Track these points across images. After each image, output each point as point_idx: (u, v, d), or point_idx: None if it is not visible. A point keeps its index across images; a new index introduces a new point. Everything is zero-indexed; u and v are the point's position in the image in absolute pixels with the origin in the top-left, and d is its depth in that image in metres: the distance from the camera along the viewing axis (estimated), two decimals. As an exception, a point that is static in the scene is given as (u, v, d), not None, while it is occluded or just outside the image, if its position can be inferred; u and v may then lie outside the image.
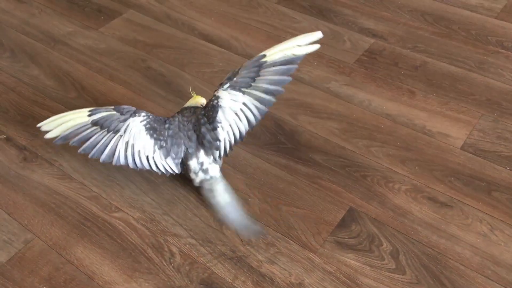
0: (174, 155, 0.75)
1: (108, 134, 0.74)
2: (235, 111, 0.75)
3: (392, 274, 0.69)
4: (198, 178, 0.76)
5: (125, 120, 0.74)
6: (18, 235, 0.73)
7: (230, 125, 0.75)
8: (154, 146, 0.75)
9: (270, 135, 0.88)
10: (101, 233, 0.74)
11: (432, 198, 0.78)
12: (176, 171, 0.76)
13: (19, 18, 1.15)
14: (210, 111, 0.75)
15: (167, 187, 0.80)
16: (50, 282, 0.68)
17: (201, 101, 0.81)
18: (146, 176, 0.81)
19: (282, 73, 0.74)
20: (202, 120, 0.76)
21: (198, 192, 0.79)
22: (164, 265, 0.70)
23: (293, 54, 0.74)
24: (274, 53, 0.74)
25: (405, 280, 0.69)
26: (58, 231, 0.74)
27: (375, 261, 0.71)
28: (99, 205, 0.77)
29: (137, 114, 0.75)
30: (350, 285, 0.68)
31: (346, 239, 0.73)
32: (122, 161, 0.74)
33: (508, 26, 1.12)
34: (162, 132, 0.75)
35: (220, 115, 0.75)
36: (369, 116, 0.92)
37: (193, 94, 0.85)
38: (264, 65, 0.74)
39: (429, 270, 0.70)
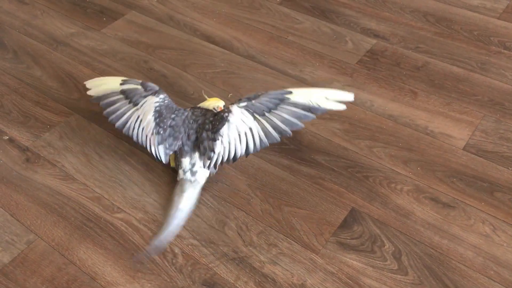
0: (167, 145, 0.77)
1: (129, 105, 0.79)
2: (239, 132, 0.75)
3: (395, 275, 0.69)
4: (183, 175, 0.76)
5: (145, 96, 0.79)
6: (21, 236, 0.74)
7: (229, 142, 0.75)
8: (153, 129, 0.77)
9: (272, 136, 0.88)
10: (103, 234, 0.74)
11: (434, 199, 0.78)
12: (164, 161, 0.77)
13: (21, 20, 1.15)
14: (217, 121, 0.76)
15: (169, 188, 0.80)
16: (52, 282, 0.68)
17: (215, 103, 0.81)
18: (149, 177, 0.81)
19: (299, 117, 0.75)
20: (207, 126, 0.76)
21: (200, 193, 0.79)
22: (167, 266, 0.70)
23: (318, 104, 0.75)
24: (300, 95, 0.75)
25: (408, 281, 0.69)
26: (61, 231, 0.74)
27: (377, 261, 0.71)
28: (101, 206, 0.77)
29: (156, 94, 0.79)
30: (352, 286, 0.68)
31: (348, 240, 0.73)
32: (130, 132, 0.79)
33: (510, 27, 1.12)
34: (165, 120, 0.77)
35: (224, 129, 0.75)
36: (371, 116, 0.92)
37: (206, 96, 0.86)
38: (286, 101, 0.75)
39: (431, 270, 0.70)
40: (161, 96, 0.79)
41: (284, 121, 0.74)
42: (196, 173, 0.76)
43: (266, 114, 0.75)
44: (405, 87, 0.98)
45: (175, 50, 1.07)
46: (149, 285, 0.68)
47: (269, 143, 0.75)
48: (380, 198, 0.78)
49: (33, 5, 1.20)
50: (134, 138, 0.79)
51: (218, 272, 0.70)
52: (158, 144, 0.76)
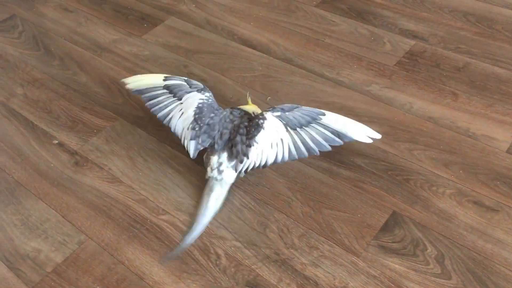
0: (200, 141, 0.79)
1: (173, 99, 0.82)
2: (271, 140, 0.76)
3: (438, 279, 0.69)
4: (210, 173, 0.78)
5: (190, 92, 0.81)
6: (72, 236, 0.77)
7: (262, 150, 0.76)
8: (190, 124, 0.79)
9: (311, 139, 0.89)
10: (149, 235, 0.76)
11: (477, 202, 0.78)
12: (191, 155, 0.79)
13: (67, 27, 1.20)
14: (252, 128, 0.77)
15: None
16: (103, 281, 0.71)
17: (255, 109, 0.83)
18: (191, 180, 0.84)
19: (327, 139, 0.77)
20: (242, 130, 0.78)
21: (241, 195, 0.81)
22: (211, 267, 0.72)
23: (347, 133, 0.78)
24: (333, 120, 0.78)
25: (451, 285, 0.68)
26: (110, 232, 0.77)
27: (420, 265, 0.71)
28: (147, 208, 0.80)
29: (202, 92, 0.82)
30: (394, 289, 0.69)
31: (389, 243, 0.73)
32: (170, 122, 0.82)
33: (555, 25, 1.09)
34: (203, 118, 0.79)
35: (260, 136, 0.76)
36: (411, 119, 0.91)
37: (249, 100, 0.87)
38: (317, 121, 0.77)
39: (475, 275, 0.69)
40: (207, 94, 0.82)
41: (313, 139, 0.77)
42: (222, 172, 0.77)
43: (298, 129, 0.77)
44: (446, 88, 0.97)
45: (213, 54, 1.09)
46: (194, 285, 0.70)
47: (298, 157, 0.77)
48: (422, 202, 0.78)
49: (77, 13, 1.24)
50: (172, 129, 0.82)
51: (261, 274, 0.71)
52: (191, 139, 0.79)
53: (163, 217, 0.79)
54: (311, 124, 0.77)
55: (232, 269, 0.72)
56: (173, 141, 0.88)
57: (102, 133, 0.93)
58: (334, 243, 0.74)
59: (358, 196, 0.80)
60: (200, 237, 0.76)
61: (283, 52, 1.08)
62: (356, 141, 0.79)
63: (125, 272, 0.72)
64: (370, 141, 0.80)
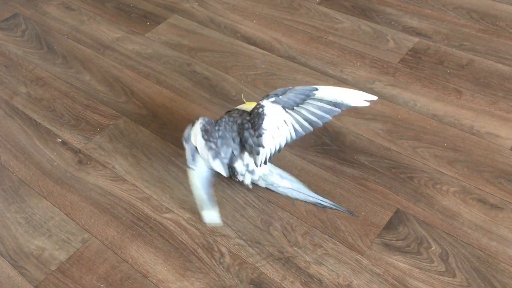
0: (223, 155, 0.77)
1: (188, 144, 0.79)
2: (276, 124, 0.77)
3: (442, 277, 0.69)
4: (247, 179, 0.78)
5: (191, 128, 0.79)
6: (76, 234, 0.77)
7: (272, 135, 0.77)
8: (205, 148, 0.77)
9: (315, 137, 0.89)
10: (153, 233, 0.76)
11: (482, 200, 0.77)
12: (224, 173, 0.77)
13: (69, 25, 1.20)
14: (255, 118, 0.77)
15: (215, 189, 0.82)
16: (107, 280, 0.72)
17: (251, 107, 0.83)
18: (195, 178, 0.84)
19: (325, 111, 0.77)
20: (247, 125, 0.78)
21: (244, 193, 0.81)
22: (215, 265, 0.72)
23: (342, 101, 0.77)
24: (326, 92, 0.78)
25: (456, 282, 0.68)
26: (113, 231, 0.77)
27: (424, 263, 0.71)
28: (150, 206, 0.80)
29: (199, 119, 0.79)
30: None
31: (393, 241, 0.73)
32: (195, 164, 0.78)
33: (559, 21, 1.08)
34: (213, 134, 0.78)
35: (265, 123, 0.76)
36: (414, 116, 0.91)
37: (244, 100, 0.87)
38: (312, 97, 0.78)
39: (479, 273, 0.69)
40: (201, 119, 0.79)
41: (313, 113, 0.77)
42: (254, 171, 0.78)
43: (295, 108, 0.77)
44: (449, 86, 0.96)
45: (216, 52, 1.09)
46: (198, 283, 0.70)
47: (305, 133, 0.77)
48: (426, 199, 0.78)
49: (80, 11, 1.24)
50: (208, 166, 0.78)
51: (265, 272, 0.71)
52: (213, 159, 0.77)
53: (166, 215, 0.79)
54: (306, 101, 0.78)
55: (236, 267, 0.72)
56: (176, 140, 0.88)
57: (106, 132, 0.93)
58: (338, 241, 0.74)
59: (362, 194, 0.79)
60: (204, 235, 0.76)
61: (286, 50, 1.08)
62: (354, 107, 0.77)
63: (129, 270, 0.72)
64: (367, 104, 0.78)
